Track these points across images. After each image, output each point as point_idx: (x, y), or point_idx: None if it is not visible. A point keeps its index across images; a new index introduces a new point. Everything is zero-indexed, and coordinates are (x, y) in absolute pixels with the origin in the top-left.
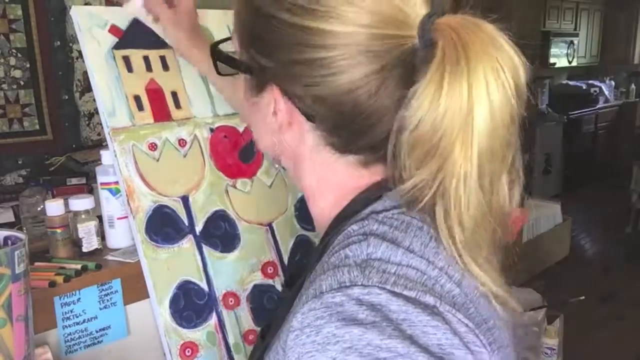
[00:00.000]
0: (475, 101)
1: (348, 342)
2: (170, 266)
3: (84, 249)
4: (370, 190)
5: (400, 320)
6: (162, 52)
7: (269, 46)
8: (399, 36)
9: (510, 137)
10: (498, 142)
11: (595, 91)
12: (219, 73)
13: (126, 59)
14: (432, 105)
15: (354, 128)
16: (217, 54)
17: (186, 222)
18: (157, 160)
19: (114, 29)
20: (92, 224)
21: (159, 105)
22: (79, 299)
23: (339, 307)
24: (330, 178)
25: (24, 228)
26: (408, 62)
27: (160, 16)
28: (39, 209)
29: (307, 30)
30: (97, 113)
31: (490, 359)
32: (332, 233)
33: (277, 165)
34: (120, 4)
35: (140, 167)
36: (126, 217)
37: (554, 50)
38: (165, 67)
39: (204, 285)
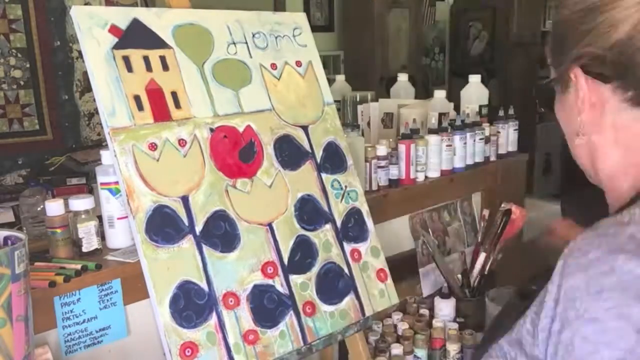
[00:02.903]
0: None
1: (609, 267)
2: (170, 266)
3: (84, 249)
4: None
5: None
6: (162, 52)
7: (562, 39)
8: None
9: None
10: None
11: None
12: (542, 109)
13: (126, 59)
14: None
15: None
16: (537, 92)
17: (186, 222)
18: (157, 160)
19: (114, 29)
20: (92, 224)
21: (159, 105)
22: (79, 299)
23: (610, 238)
24: (631, 141)
25: (24, 228)
26: None
27: None
28: (39, 209)
29: (585, 9)
30: (97, 113)
31: None
32: (628, 207)
33: None
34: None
35: (140, 167)
36: (126, 217)
37: None
38: (165, 67)
39: (204, 285)
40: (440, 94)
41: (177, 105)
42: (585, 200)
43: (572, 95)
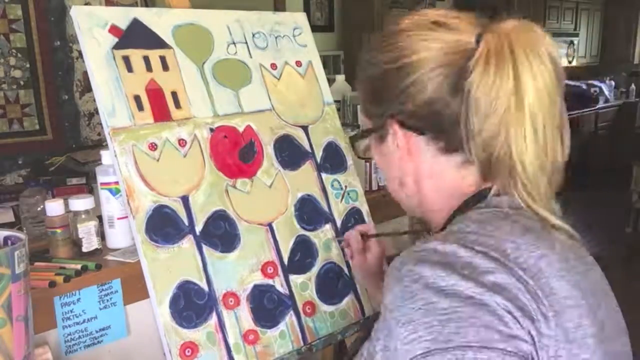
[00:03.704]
0: (521, 73)
1: (418, 275)
2: (170, 266)
3: (84, 249)
4: (472, 198)
5: (463, 264)
6: (162, 52)
7: (379, 94)
8: (461, 49)
9: (555, 97)
10: (545, 102)
11: (595, 91)
12: (359, 157)
13: (126, 59)
14: (482, 77)
15: (447, 126)
16: (352, 141)
17: (186, 222)
18: (157, 160)
19: (114, 29)
20: (92, 224)
21: (159, 105)
22: (79, 299)
23: (418, 253)
24: (446, 182)
25: (24, 228)
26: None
27: (353, 258)
28: (39, 209)
29: (396, 69)
30: (97, 113)
31: (546, 324)
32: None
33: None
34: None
35: (140, 167)
36: (126, 217)
37: None
38: (165, 67)
39: (204, 285)
40: None
41: (177, 105)
42: (585, 200)
43: (390, 144)
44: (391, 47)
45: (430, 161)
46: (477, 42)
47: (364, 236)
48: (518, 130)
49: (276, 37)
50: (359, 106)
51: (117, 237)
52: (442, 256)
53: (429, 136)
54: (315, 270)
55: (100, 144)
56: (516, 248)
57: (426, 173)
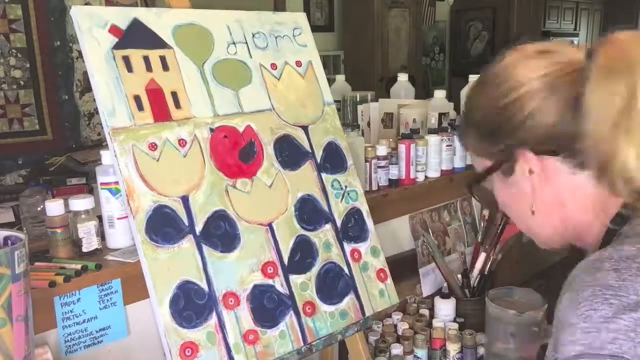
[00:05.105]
0: (636, 79)
1: (587, 282)
2: (170, 266)
3: (84, 249)
4: (615, 218)
5: (629, 260)
6: (162, 52)
7: (496, 130)
8: (571, 69)
9: None
10: None
11: None
12: (479, 201)
13: (126, 59)
14: (598, 84)
15: (577, 139)
16: (472, 186)
17: (186, 222)
18: (157, 160)
19: (114, 29)
20: (92, 224)
21: (159, 105)
22: (79, 299)
23: (593, 262)
24: (590, 197)
25: (24, 228)
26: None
27: None
28: (39, 209)
29: (513, 103)
30: (97, 113)
31: None
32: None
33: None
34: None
35: (140, 167)
36: (126, 217)
37: None
38: (165, 67)
39: (204, 285)
40: (440, 94)
41: (177, 105)
42: None
43: (519, 175)
44: (499, 83)
45: (569, 179)
46: (588, 57)
47: None
48: (628, 137)
49: (276, 37)
50: (468, 153)
51: (117, 237)
52: (615, 262)
53: (564, 154)
54: (315, 270)
55: (100, 144)
56: None
57: (567, 193)
